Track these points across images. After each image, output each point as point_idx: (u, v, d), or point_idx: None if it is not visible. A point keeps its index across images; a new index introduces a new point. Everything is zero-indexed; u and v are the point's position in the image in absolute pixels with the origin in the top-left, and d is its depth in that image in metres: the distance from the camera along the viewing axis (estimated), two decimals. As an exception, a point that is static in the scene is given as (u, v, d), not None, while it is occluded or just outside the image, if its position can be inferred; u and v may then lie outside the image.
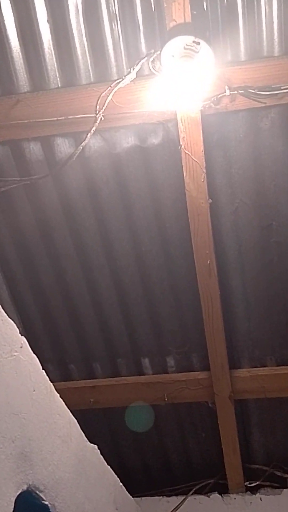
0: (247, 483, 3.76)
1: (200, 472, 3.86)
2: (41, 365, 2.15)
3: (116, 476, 2.90)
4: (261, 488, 3.77)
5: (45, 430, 2.07)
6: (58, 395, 2.25)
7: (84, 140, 2.62)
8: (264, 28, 2.40)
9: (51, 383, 2.19)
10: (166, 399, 3.50)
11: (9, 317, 1.94)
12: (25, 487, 1.84)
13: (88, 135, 2.60)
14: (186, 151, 2.63)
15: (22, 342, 1.98)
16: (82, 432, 2.47)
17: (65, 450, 2.21)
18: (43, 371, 2.14)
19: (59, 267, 3.15)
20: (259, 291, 3.12)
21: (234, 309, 3.19)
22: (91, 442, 2.59)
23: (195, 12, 2.36)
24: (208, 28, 2.40)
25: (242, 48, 2.44)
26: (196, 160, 2.64)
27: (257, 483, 3.76)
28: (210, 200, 2.76)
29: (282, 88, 2.45)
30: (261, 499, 3.72)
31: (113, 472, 2.86)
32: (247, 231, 2.93)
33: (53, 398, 2.20)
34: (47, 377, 2.16)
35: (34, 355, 2.07)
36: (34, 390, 2.01)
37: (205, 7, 2.38)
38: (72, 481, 2.23)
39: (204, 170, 2.67)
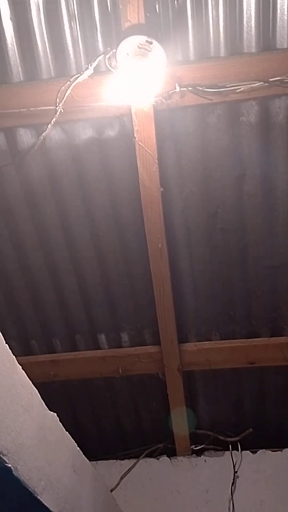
0: (193, 446, 3.78)
1: (151, 437, 3.87)
2: (5, 341, 2.10)
3: (74, 441, 2.87)
4: (205, 451, 3.79)
5: (8, 399, 2.02)
6: (21, 367, 2.20)
7: (45, 131, 2.57)
8: (211, 31, 2.38)
9: (14, 357, 2.14)
10: (120, 372, 3.48)
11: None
12: (-12, 452, 1.80)
13: (48, 126, 2.55)
14: (140, 143, 2.60)
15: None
16: (42, 402, 2.43)
17: (27, 418, 2.16)
18: (6, 345, 2.08)
19: (20, 251, 3.08)
20: (206, 273, 3.12)
21: (183, 289, 3.19)
22: (51, 411, 2.55)
23: (148, 14, 2.33)
24: (160, 29, 2.38)
25: (191, 48, 2.42)
26: (149, 151, 2.62)
27: (202, 446, 3.79)
28: (162, 188, 2.74)
29: (227, 86, 2.45)
30: (205, 461, 3.76)
31: (71, 438, 2.82)
32: (195, 217, 2.91)
33: (16, 370, 2.14)
34: (10, 351, 2.11)
35: (-2, 331, 2.02)
36: (-3, 362, 1.95)
37: (157, 10, 2.35)
38: (33, 446, 2.19)
39: (156, 161, 2.64)
